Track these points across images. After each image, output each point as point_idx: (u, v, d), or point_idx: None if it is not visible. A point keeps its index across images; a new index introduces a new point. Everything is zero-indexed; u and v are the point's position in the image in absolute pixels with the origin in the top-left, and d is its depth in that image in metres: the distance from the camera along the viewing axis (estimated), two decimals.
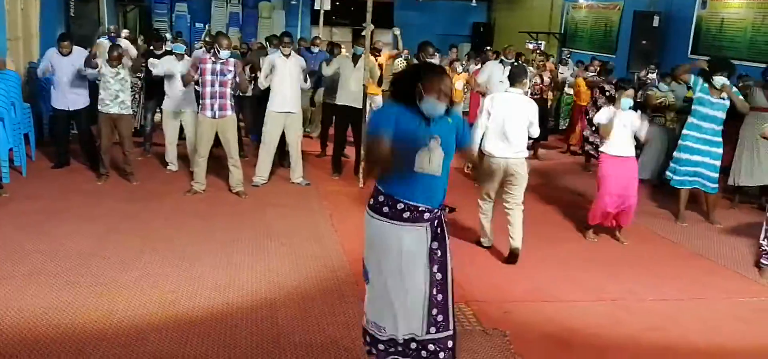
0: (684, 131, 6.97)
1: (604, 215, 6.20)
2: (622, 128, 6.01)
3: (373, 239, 3.24)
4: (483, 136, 5.48)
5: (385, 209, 3.15)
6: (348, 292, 4.74)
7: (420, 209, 3.13)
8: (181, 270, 4.96)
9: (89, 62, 7.02)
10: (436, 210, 3.18)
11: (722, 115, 6.71)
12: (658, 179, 8.23)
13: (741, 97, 6.79)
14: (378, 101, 8.50)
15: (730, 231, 6.88)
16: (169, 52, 8.29)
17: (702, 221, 7.15)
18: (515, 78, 5.57)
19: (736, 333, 4.52)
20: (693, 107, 6.86)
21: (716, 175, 6.86)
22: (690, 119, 6.90)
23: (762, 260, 5.64)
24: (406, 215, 3.13)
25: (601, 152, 6.26)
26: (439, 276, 3.20)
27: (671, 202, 7.46)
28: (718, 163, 6.83)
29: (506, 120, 5.38)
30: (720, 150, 6.82)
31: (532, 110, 5.52)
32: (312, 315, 4.33)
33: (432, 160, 3.07)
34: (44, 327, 3.96)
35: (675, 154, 7.09)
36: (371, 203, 3.23)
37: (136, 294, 4.49)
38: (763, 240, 5.62)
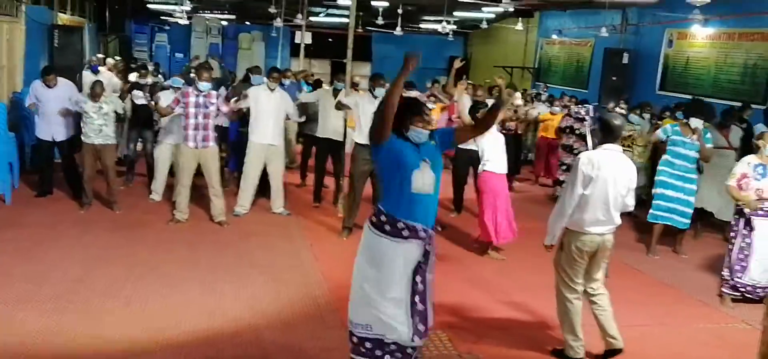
0: (658, 168, 7.26)
1: (508, 229, 6.62)
2: (501, 145, 6.69)
3: (370, 251, 3.59)
4: (572, 205, 4.32)
5: (387, 227, 3.53)
6: (329, 318, 4.92)
7: (417, 228, 3.51)
8: (167, 297, 5.11)
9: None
10: (430, 229, 3.57)
11: (695, 154, 7.01)
12: (627, 213, 8.49)
13: (709, 146, 7.07)
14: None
15: (695, 262, 7.18)
16: (155, 85, 8.50)
17: (670, 253, 7.43)
18: (615, 131, 4.40)
19: (698, 357, 4.78)
20: (668, 146, 7.16)
21: (690, 210, 7.14)
22: (664, 157, 7.19)
23: (723, 289, 5.93)
24: (406, 233, 3.51)
25: (486, 170, 6.68)
26: (420, 286, 3.56)
27: (643, 235, 7.76)
28: (691, 199, 7.10)
29: (610, 186, 4.25)
30: (693, 186, 7.10)
31: (634, 172, 4.42)
32: (295, 340, 4.51)
33: (425, 180, 3.47)
34: (36, 351, 4.08)
35: (653, 191, 7.37)
36: (373, 220, 3.59)
37: (124, 320, 4.63)
38: (724, 271, 5.93)
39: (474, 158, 8.11)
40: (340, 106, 7.45)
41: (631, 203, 4.41)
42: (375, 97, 7.04)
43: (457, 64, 8.07)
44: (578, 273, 4.42)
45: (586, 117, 9.21)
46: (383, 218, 3.54)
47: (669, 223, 7.18)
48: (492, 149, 6.68)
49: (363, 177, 7.04)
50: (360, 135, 7.06)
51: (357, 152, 7.03)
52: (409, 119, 3.52)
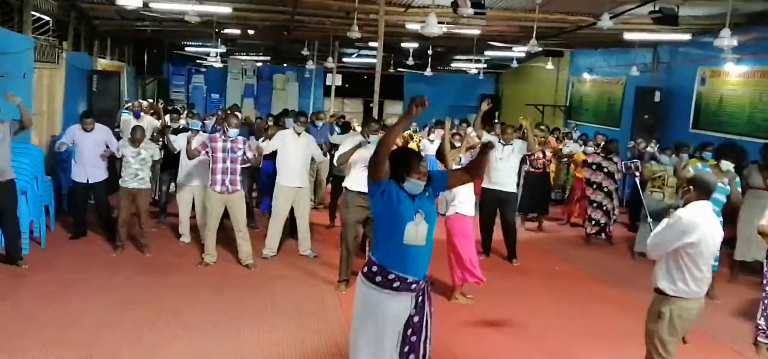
0: None
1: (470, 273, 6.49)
2: (471, 188, 6.48)
3: (362, 303, 3.63)
4: (668, 270, 4.08)
5: (378, 278, 3.55)
6: None
7: (408, 280, 3.53)
8: (190, 343, 5.15)
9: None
10: (421, 281, 3.59)
11: (723, 198, 6.89)
12: None
13: (739, 189, 7.01)
14: None
15: (730, 307, 6.97)
16: (186, 128, 8.69)
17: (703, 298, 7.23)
18: (710, 188, 4.18)
19: None
20: None
21: (717, 252, 6.99)
22: None
23: (759, 338, 5.73)
24: (396, 284, 3.53)
25: (458, 213, 6.50)
26: (413, 338, 3.57)
27: None
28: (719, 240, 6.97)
29: (710, 245, 4.05)
30: (720, 228, 6.97)
31: (721, 228, 4.25)
32: None
33: (418, 232, 3.51)
34: None
35: None
36: (365, 270, 3.62)
37: None
38: (760, 319, 5.73)
39: (501, 198, 8.05)
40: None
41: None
42: (368, 142, 6.73)
43: (485, 106, 8.03)
44: (676, 344, 4.14)
45: (636, 173, 8.90)
46: (374, 269, 3.57)
47: None
48: (464, 191, 6.43)
49: (356, 225, 6.74)
50: (352, 181, 6.73)
51: (350, 198, 6.70)
52: (405, 171, 3.55)
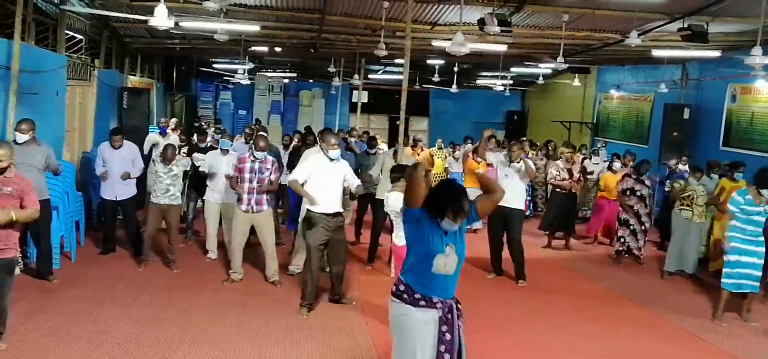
0: (729, 234, 6.96)
1: None
2: None
3: (393, 321, 3.74)
4: None
5: (405, 295, 3.68)
6: None
7: (433, 300, 3.64)
8: None
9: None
10: (448, 301, 3.68)
11: (762, 220, 6.84)
12: (690, 274, 8.24)
13: None
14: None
15: (765, 330, 6.81)
16: (213, 148, 8.81)
17: (736, 319, 7.08)
18: None
19: None
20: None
21: (759, 273, 6.88)
22: (733, 222, 6.92)
23: None
24: (422, 303, 3.64)
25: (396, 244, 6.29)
26: (446, 356, 3.62)
27: (699, 297, 7.44)
28: (761, 262, 6.86)
29: None
30: (763, 249, 6.86)
31: None
32: None
33: (447, 264, 3.61)
34: None
35: (725, 258, 7.09)
36: (393, 289, 3.75)
37: None
38: None
39: (506, 215, 7.93)
40: None
41: None
42: (331, 160, 6.57)
43: (487, 133, 8.35)
44: None
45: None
46: (402, 288, 3.70)
47: (745, 290, 6.88)
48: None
49: (320, 249, 6.53)
50: (317, 203, 6.45)
51: (314, 220, 6.44)
52: (446, 211, 3.58)
